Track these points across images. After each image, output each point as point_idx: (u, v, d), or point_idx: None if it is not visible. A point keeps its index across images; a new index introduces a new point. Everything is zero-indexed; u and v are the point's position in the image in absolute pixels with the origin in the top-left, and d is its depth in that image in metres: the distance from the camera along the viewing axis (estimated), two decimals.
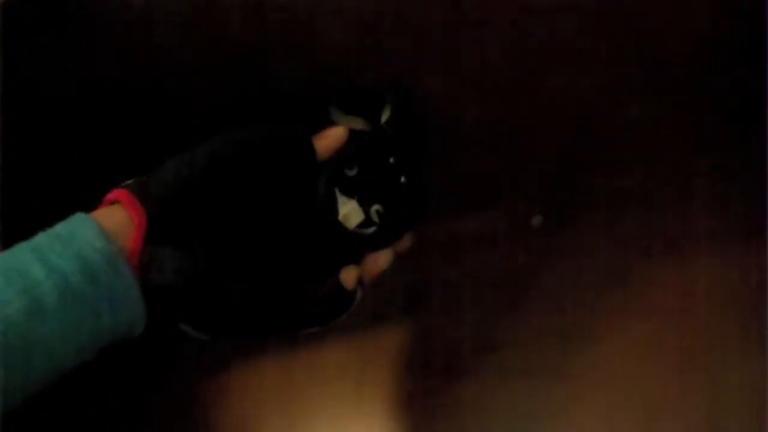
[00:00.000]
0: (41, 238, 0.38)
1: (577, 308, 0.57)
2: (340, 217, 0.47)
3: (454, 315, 0.59)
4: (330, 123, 0.49)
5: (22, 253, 0.38)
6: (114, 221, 0.40)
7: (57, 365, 0.38)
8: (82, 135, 0.57)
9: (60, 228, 0.39)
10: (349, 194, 0.47)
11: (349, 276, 0.47)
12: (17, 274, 0.36)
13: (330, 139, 0.47)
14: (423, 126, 0.54)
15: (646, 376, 0.54)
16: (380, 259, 0.48)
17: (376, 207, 0.48)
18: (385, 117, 0.50)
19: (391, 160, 0.48)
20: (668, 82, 0.54)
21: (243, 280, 0.44)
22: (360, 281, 0.47)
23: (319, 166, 0.46)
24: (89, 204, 0.42)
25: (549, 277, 0.59)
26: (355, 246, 0.47)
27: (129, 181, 0.42)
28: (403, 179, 0.48)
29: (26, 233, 0.40)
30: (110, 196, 0.41)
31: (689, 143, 0.58)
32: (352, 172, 0.48)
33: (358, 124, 0.50)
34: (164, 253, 0.40)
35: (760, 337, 0.52)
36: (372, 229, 0.48)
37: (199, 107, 0.54)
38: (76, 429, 0.54)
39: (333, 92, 0.50)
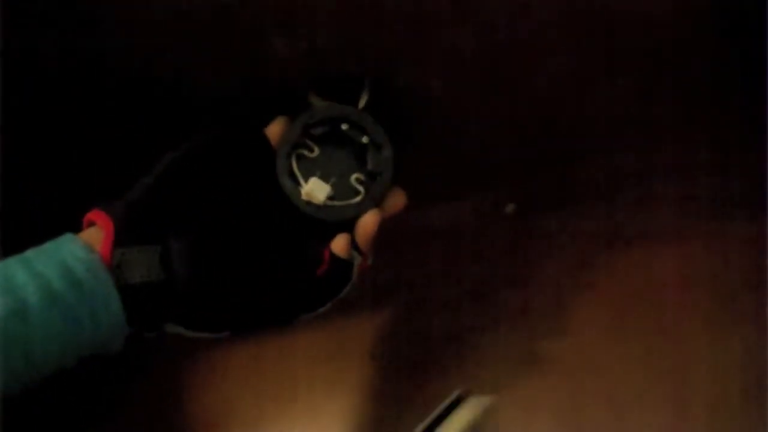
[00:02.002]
0: (29, 252, 0.41)
1: (555, 296, 0.57)
2: (303, 195, 0.48)
3: (426, 301, 0.59)
4: (309, 108, 0.51)
5: (9, 263, 0.40)
6: (93, 238, 0.42)
7: (36, 367, 0.39)
8: (82, 135, 0.58)
9: (47, 244, 0.42)
10: (312, 173, 0.49)
11: (338, 245, 0.47)
12: (3, 279, 0.39)
13: (276, 126, 0.49)
14: (400, 112, 0.54)
15: (639, 368, 0.53)
16: (366, 221, 0.48)
17: (355, 175, 0.49)
18: (362, 103, 0.51)
19: (344, 126, 0.49)
20: (666, 51, 0.54)
21: (230, 274, 0.45)
22: (357, 249, 0.49)
23: (275, 153, 0.49)
24: (88, 205, 0.44)
25: (524, 264, 0.59)
26: (339, 218, 0.49)
27: None
28: (364, 139, 0.49)
29: (26, 234, 0.41)
30: (86, 217, 0.44)
31: (686, 123, 0.58)
32: (313, 154, 0.49)
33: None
34: (132, 252, 0.42)
35: (759, 325, 0.51)
36: (360, 197, 0.49)
37: (195, 100, 0.55)
38: (56, 410, 0.54)
39: (312, 78, 0.52)
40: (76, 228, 0.44)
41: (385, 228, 0.49)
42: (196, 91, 0.54)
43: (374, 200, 0.49)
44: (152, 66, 0.52)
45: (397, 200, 0.50)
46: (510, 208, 0.61)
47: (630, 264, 0.57)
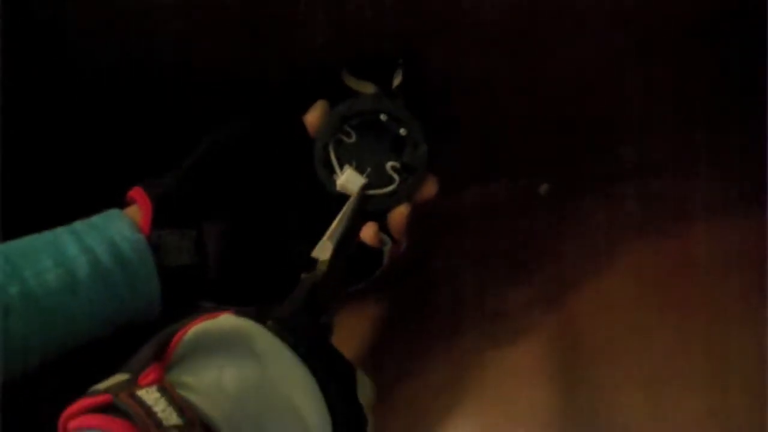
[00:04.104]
0: (78, 224, 0.43)
1: (579, 277, 0.57)
2: (338, 186, 0.48)
3: (458, 283, 0.59)
4: (343, 88, 0.50)
5: (60, 233, 0.42)
6: (133, 216, 0.44)
7: (77, 334, 0.41)
8: (82, 133, 0.58)
9: (96, 218, 0.43)
10: (348, 161, 0.49)
11: (366, 234, 0.48)
12: (55, 250, 0.40)
13: (314, 113, 0.49)
14: (434, 91, 0.54)
15: (645, 348, 0.53)
16: (397, 214, 0.49)
17: (391, 163, 0.49)
18: (396, 82, 0.50)
19: (383, 117, 0.49)
20: (667, 50, 0.53)
21: (261, 260, 0.47)
22: (391, 236, 0.50)
23: (312, 140, 0.49)
24: (90, 201, 0.44)
25: (553, 245, 0.58)
26: (371, 209, 0.49)
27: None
28: (402, 131, 0.49)
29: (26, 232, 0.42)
30: (129, 193, 0.45)
31: (688, 112, 0.57)
32: (351, 140, 0.49)
33: (369, 89, 0.50)
34: (169, 235, 0.43)
35: (759, 305, 0.51)
36: (394, 186, 0.49)
37: (228, 84, 0.54)
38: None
39: (346, 58, 0.51)
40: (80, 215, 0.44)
41: (417, 212, 0.50)
42: (228, 75, 0.54)
43: (407, 194, 0.49)
44: (182, 49, 0.52)
45: (429, 189, 0.50)
46: (544, 189, 0.61)
47: (665, 246, 0.56)
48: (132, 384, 0.30)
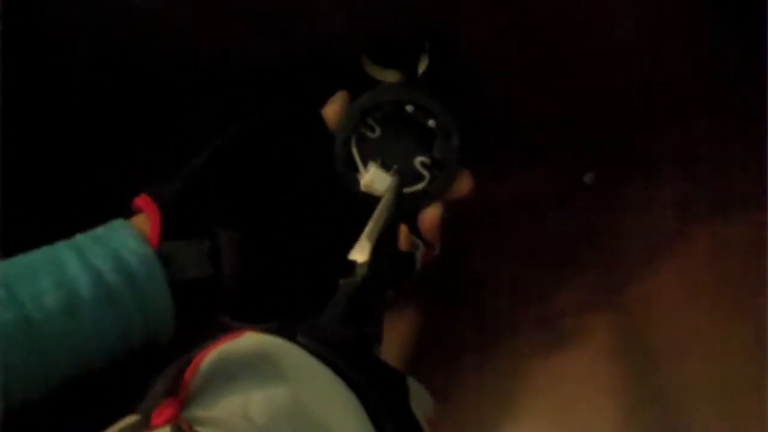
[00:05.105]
0: (80, 238, 0.39)
1: (629, 276, 0.55)
2: (363, 186, 0.45)
3: (498, 287, 0.57)
4: (364, 77, 0.48)
5: (60, 249, 0.39)
6: (140, 226, 0.41)
7: (84, 361, 0.38)
8: (83, 132, 0.56)
9: (99, 230, 0.40)
10: (373, 158, 0.46)
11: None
12: (55, 268, 0.37)
13: (333, 106, 0.46)
14: (464, 76, 0.51)
15: (705, 350, 0.51)
16: (427, 215, 0.46)
17: (419, 159, 0.46)
18: (422, 68, 0.47)
19: (408, 108, 0.45)
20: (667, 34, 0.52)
21: (281, 269, 0.44)
22: (422, 239, 0.47)
23: (332, 136, 0.46)
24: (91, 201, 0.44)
25: (599, 241, 0.56)
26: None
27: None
28: (431, 123, 0.45)
29: (26, 232, 0.40)
30: (134, 202, 0.42)
31: (688, 103, 0.55)
32: (375, 135, 0.46)
33: (393, 77, 0.47)
34: (180, 246, 0.40)
35: (759, 294, 0.50)
36: (423, 183, 0.46)
37: (241, 74, 0.52)
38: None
39: (367, 43, 0.48)
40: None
41: (451, 211, 0.47)
42: (237, 66, 0.52)
43: (438, 192, 0.46)
44: (192, 39, 0.50)
45: (462, 185, 0.46)
46: (588, 177, 0.58)
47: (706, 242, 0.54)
48: (143, 426, 0.26)
